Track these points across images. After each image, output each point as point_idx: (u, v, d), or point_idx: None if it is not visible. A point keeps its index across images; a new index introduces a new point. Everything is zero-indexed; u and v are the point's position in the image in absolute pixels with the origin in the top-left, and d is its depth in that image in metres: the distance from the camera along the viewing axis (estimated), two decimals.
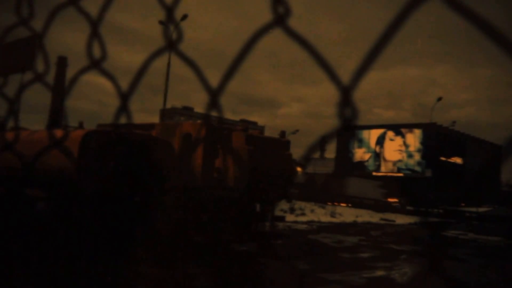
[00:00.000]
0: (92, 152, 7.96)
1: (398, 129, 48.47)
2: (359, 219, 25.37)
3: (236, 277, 8.57)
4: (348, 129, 1.03)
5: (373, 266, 10.87)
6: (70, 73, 23.20)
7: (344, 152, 51.01)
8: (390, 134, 48.85)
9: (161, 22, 1.60)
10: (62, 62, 24.13)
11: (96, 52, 1.72)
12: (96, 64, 1.73)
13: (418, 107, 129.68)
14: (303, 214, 23.69)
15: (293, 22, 1.15)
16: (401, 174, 46.87)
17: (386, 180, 39.58)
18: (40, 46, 2.04)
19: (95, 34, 1.72)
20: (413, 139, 47.18)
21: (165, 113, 35.26)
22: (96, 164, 7.98)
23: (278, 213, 20.81)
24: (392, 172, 47.76)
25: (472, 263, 12.93)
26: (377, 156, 49.77)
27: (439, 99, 46.64)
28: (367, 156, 50.58)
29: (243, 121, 69.75)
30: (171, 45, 1.51)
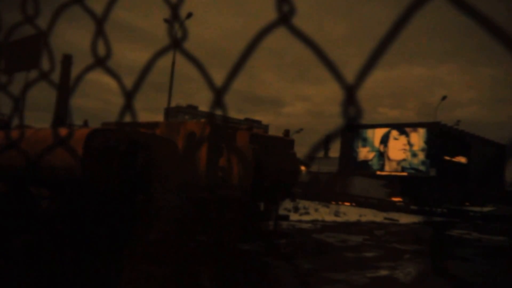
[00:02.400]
0: (97, 150, 7.96)
1: (402, 128, 48.37)
2: (363, 218, 25.35)
3: (240, 276, 8.58)
4: (352, 128, 1.03)
5: (377, 265, 10.85)
6: (75, 71, 23.26)
7: (348, 151, 50.94)
8: (394, 133, 48.75)
9: (166, 20, 1.60)
10: (67, 60, 24.15)
11: (101, 50, 1.73)
12: (101, 62, 1.73)
13: (422, 106, 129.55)
14: (307, 213, 23.68)
15: (298, 21, 1.15)
16: (405, 173, 46.79)
17: (390, 179, 39.58)
18: (45, 44, 2.05)
19: (100, 32, 1.72)
20: (417, 138, 47.08)
21: (169, 112, 35.29)
22: (101, 162, 7.99)
23: (282, 212, 20.80)
24: (396, 171, 47.68)
25: (476, 262, 12.89)
26: (381, 155, 49.68)
27: (444, 98, 46.48)
28: (371, 155, 50.50)
29: (247, 119, 69.87)
30: (176, 43, 1.51)
